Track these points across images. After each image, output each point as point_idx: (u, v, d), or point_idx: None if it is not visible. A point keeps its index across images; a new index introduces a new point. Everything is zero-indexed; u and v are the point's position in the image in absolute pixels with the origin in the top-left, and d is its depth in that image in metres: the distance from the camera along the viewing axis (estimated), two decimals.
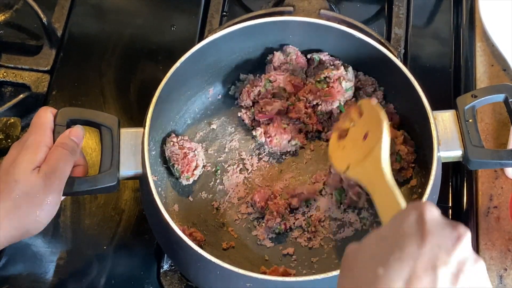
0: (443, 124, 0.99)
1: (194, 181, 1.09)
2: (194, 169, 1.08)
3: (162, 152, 1.08)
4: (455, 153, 0.98)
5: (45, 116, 0.93)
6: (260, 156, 1.12)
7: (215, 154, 1.13)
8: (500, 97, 0.99)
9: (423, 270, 0.61)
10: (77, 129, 0.94)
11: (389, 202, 0.79)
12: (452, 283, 0.61)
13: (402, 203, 0.77)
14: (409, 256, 0.62)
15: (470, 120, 0.98)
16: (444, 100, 1.15)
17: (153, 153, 1.06)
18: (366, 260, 0.65)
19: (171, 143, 1.07)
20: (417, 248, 0.62)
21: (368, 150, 0.89)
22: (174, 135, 1.09)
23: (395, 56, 1.05)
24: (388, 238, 0.65)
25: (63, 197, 0.91)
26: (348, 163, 0.93)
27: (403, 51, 1.27)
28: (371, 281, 0.62)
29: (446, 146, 0.98)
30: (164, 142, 1.09)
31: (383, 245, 0.65)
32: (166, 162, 1.08)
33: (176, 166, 1.06)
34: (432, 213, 0.65)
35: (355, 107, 0.98)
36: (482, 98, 0.99)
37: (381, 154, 0.86)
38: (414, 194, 1.05)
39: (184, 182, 1.08)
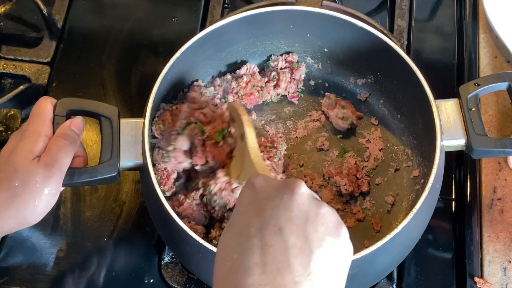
0: (446, 113, 0.98)
1: None
2: (175, 181, 1.04)
3: None
4: (458, 142, 0.97)
5: (45, 106, 0.92)
6: None
7: None
8: (503, 85, 0.98)
9: (272, 236, 0.65)
10: (78, 120, 0.93)
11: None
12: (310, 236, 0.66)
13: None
14: (253, 227, 0.67)
15: (473, 109, 0.97)
16: (447, 91, 1.13)
17: (153, 144, 1.05)
18: (240, 231, 0.69)
19: (158, 149, 1.03)
20: (258, 218, 0.67)
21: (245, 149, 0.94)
22: None
23: (397, 45, 1.04)
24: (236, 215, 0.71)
25: (62, 188, 0.90)
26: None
27: (406, 43, 1.27)
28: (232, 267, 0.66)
29: (449, 135, 0.97)
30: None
31: (248, 214, 0.69)
32: None
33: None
34: (259, 181, 0.71)
35: (224, 117, 1.02)
36: (485, 87, 0.98)
37: (248, 144, 0.93)
38: (416, 184, 1.04)
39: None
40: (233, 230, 0.70)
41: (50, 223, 1.09)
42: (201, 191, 1.01)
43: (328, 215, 0.69)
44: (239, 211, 0.71)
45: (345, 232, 0.69)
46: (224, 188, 0.99)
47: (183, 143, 1.01)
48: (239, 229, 0.69)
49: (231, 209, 1.01)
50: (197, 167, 1.02)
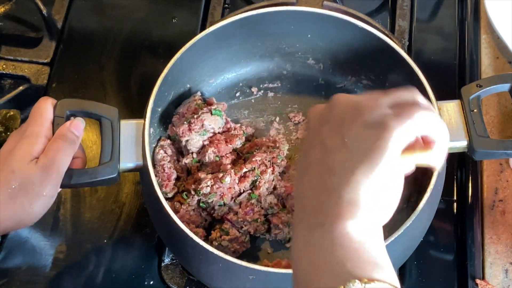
0: (447, 114, 0.98)
1: None
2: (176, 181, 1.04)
3: None
4: (460, 144, 0.97)
5: (45, 106, 0.92)
6: None
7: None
8: (505, 86, 0.98)
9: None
10: (78, 122, 0.93)
11: None
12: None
13: None
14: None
15: (475, 110, 0.97)
16: (449, 92, 1.13)
17: (154, 145, 1.05)
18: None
19: (159, 147, 1.04)
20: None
21: None
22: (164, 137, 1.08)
23: (398, 46, 1.03)
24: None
25: (60, 190, 0.90)
26: None
27: (407, 43, 1.26)
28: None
29: (451, 136, 0.93)
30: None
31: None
32: None
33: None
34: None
35: None
36: (487, 88, 0.98)
37: None
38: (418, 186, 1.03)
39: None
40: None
41: (50, 224, 1.08)
42: (196, 198, 1.01)
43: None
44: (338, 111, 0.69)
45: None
46: (214, 183, 0.99)
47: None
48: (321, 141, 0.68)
49: (231, 209, 1.01)
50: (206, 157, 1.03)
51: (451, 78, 1.23)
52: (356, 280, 0.58)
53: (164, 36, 1.27)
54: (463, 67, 1.24)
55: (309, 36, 1.11)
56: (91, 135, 1.14)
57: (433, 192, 0.92)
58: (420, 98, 0.68)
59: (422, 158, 0.68)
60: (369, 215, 0.63)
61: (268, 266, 0.96)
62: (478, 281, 1.04)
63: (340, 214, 0.62)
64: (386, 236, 0.88)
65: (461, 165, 1.15)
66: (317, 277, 0.61)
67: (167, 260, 1.07)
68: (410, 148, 0.66)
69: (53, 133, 0.91)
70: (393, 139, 0.62)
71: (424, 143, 0.68)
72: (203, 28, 1.27)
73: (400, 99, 0.67)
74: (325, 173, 0.65)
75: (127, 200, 1.11)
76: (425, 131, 0.66)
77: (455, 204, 1.12)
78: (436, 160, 0.69)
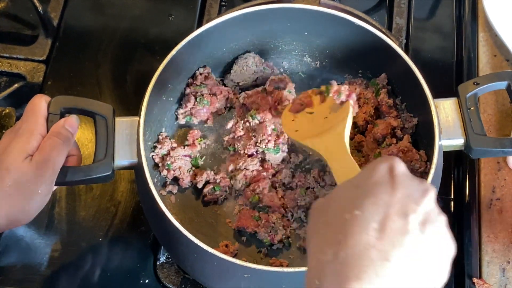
0: (444, 112, 0.98)
1: None
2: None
3: None
4: (457, 142, 0.96)
5: (39, 104, 0.91)
6: None
7: (213, 145, 1.11)
8: (503, 84, 0.98)
9: (395, 215, 0.64)
10: (72, 119, 0.92)
11: (347, 168, 0.88)
12: (420, 230, 0.64)
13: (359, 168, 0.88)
14: (382, 201, 0.65)
15: (472, 108, 0.96)
16: (446, 90, 1.12)
17: (149, 143, 1.04)
18: (339, 207, 0.68)
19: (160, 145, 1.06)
20: (389, 196, 0.65)
21: (329, 126, 0.96)
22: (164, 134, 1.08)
23: (396, 44, 1.03)
24: (360, 186, 0.68)
25: (55, 187, 0.90)
26: (299, 133, 1.00)
27: (404, 41, 1.26)
28: (346, 223, 0.64)
29: (448, 134, 0.96)
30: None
31: (357, 192, 0.67)
32: None
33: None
34: (401, 166, 0.69)
35: (316, 91, 1.03)
36: (484, 86, 0.98)
37: (345, 131, 0.94)
38: None
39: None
40: (360, 192, 0.67)
41: (45, 222, 1.08)
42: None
43: (444, 225, 0.67)
44: (374, 180, 0.68)
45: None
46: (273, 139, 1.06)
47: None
48: (367, 194, 0.67)
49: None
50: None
51: (448, 76, 1.22)
52: None
53: (160, 34, 1.27)
54: (460, 65, 1.23)
55: (306, 33, 1.11)
56: (86, 133, 1.13)
57: None
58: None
59: None
60: None
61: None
62: (475, 280, 1.03)
63: None
64: None
65: (458, 163, 1.14)
66: None
67: (162, 259, 1.06)
68: None
69: (48, 130, 0.90)
70: None
71: None
72: (199, 25, 1.26)
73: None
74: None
75: (123, 199, 1.11)
76: None
77: (452, 202, 1.11)
78: None
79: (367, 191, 0.66)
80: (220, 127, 1.12)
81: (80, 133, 0.94)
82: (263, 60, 1.14)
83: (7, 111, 1.14)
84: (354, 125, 1.09)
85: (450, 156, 1.10)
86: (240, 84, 1.14)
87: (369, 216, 0.64)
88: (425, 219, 0.65)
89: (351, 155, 0.91)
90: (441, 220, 0.66)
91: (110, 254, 1.07)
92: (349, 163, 0.89)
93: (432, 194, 0.67)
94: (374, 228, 0.63)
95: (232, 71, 1.13)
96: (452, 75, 1.23)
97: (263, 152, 1.06)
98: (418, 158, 1.00)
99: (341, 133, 0.94)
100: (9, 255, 1.06)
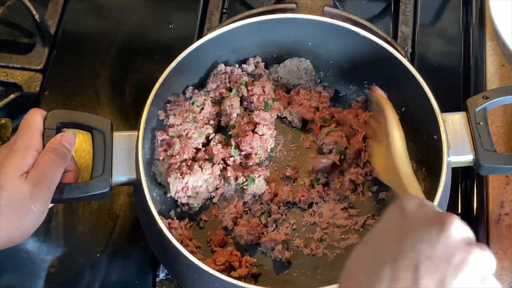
0: (453, 127, 0.95)
1: None
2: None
3: None
4: (466, 158, 0.94)
5: (34, 118, 0.89)
6: None
7: None
8: None
9: (405, 271, 0.62)
10: (69, 134, 0.90)
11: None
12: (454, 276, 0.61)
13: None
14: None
15: (481, 123, 0.94)
16: (453, 101, 1.11)
17: (148, 157, 1.02)
18: (374, 253, 0.65)
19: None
20: (396, 246, 0.63)
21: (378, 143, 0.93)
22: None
23: (402, 55, 1.01)
24: (390, 232, 0.66)
25: (51, 205, 0.87)
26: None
27: (410, 50, 1.24)
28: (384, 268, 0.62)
29: (456, 150, 0.94)
30: None
31: (388, 237, 0.66)
32: None
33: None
34: (411, 204, 0.67)
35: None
36: (494, 100, 0.95)
37: (391, 144, 0.90)
38: None
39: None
40: (368, 249, 0.67)
41: (42, 237, 1.06)
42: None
43: (477, 263, 0.62)
44: (381, 230, 0.68)
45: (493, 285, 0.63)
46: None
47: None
48: (374, 250, 0.65)
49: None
50: None
51: (455, 87, 1.20)
52: None
53: (160, 42, 1.25)
54: (467, 75, 1.21)
55: (309, 44, 1.09)
56: (84, 145, 1.11)
57: (438, 205, 0.90)
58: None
59: None
60: None
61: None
62: None
63: None
64: None
65: (465, 176, 1.12)
66: None
67: (162, 275, 1.04)
68: None
69: (44, 146, 0.88)
70: None
71: None
72: (200, 33, 1.25)
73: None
74: None
75: (121, 213, 1.09)
76: None
77: (459, 217, 1.09)
78: None
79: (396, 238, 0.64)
80: None
81: (77, 144, 0.92)
82: (314, 72, 1.12)
83: (3, 121, 1.13)
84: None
85: (457, 169, 1.07)
86: (282, 79, 1.12)
87: (375, 279, 0.62)
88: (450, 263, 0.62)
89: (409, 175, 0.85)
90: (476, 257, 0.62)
91: (108, 270, 1.05)
92: (404, 187, 0.84)
93: (449, 227, 0.63)
94: None
95: (281, 64, 1.12)
96: (459, 85, 1.20)
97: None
98: None
99: (386, 148, 0.90)
100: (5, 271, 1.04)
